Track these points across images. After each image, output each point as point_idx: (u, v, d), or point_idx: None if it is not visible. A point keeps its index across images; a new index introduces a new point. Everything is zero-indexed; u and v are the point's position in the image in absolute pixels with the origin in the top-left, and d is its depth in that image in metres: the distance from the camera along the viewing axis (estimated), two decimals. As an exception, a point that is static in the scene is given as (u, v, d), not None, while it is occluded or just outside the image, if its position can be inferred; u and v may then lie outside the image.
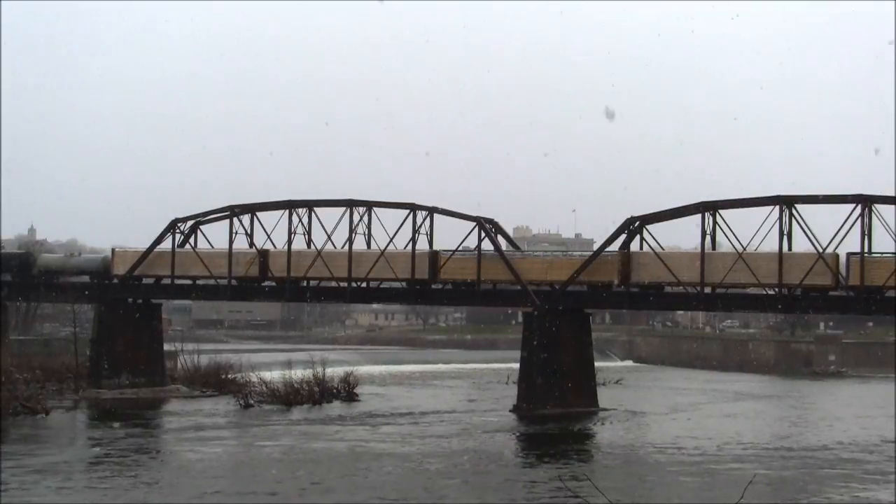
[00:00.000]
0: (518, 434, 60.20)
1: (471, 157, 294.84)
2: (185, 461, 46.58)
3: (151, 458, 47.57)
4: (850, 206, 59.44)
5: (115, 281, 77.38)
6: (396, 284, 72.00)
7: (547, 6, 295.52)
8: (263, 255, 73.63)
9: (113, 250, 78.60)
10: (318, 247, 72.25)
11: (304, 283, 74.67)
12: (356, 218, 71.33)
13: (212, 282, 75.70)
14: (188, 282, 77.19)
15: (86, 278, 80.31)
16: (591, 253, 67.56)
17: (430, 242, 70.68)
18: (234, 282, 74.92)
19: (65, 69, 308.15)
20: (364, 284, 72.41)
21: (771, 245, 61.58)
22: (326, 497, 38.38)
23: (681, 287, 64.51)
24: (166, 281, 77.41)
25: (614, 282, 65.27)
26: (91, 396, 71.97)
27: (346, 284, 72.23)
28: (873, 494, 40.36)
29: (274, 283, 74.94)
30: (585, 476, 41.09)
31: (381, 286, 73.55)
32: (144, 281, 78.00)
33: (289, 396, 70.08)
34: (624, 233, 65.17)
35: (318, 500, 37.99)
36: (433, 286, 71.20)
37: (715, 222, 62.58)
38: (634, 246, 65.04)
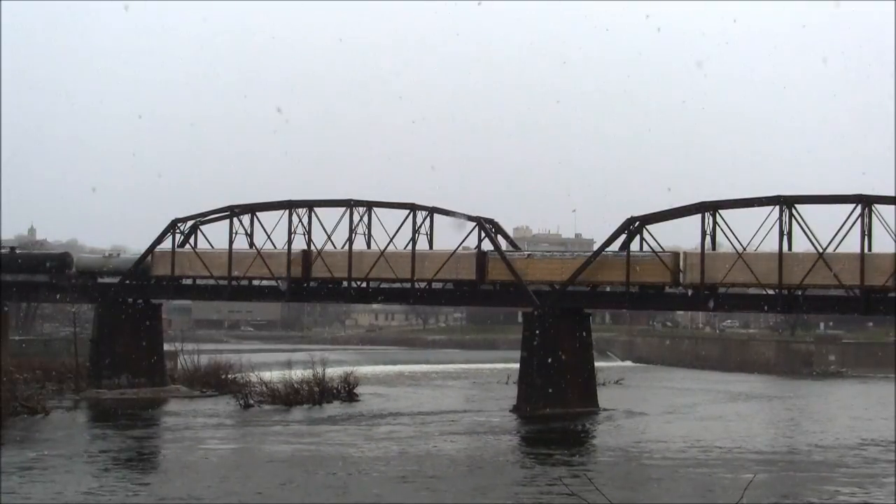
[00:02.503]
0: (518, 434, 60.11)
1: (471, 157, 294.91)
2: (113, 464, 45.04)
3: (75, 461, 45.05)
4: (850, 206, 59.44)
5: (154, 282, 77.06)
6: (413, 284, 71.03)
7: (547, 6, 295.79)
8: (306, 255, 72.88)
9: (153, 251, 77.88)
10: (318, 247, 72.38)
11: (347, 284, 73.22)
12: (356, 218, 71.39)
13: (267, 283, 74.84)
14: (242, 283, 75.92)
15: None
16: (651, 254, 64.83)
17: (430, 242, 70.72)
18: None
19: (65, 69, 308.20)
20: (364, 284, 72.50)
21: (771, 245, 61.55)
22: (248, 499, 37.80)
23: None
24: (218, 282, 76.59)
25: (667, 283, 64.52)
26: (91, 396, 71.95)
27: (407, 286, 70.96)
28: (845, 500, 39.69)
29: (316, 284, 74.01)
30: (585, 476, 41.01)
31: (381, 286, 73.58)
32: (185, 281, 77.43)
33: (288, 396, 70.04)
34: (624, 233, 65.16)
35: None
36: (481, 287, 70.00)
37: (715, 222, 62.55)
38: (634, 246, 65.03)
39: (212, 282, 76.09)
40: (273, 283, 74.93)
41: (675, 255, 64.53)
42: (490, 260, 68.65)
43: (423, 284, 71.08)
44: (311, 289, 75.53)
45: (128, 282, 77.58)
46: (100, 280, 79.34)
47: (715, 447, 52.68)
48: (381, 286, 73.35)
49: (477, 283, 69.34)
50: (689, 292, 64.96)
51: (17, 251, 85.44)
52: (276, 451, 49.43)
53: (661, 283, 64.67)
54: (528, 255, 70.30)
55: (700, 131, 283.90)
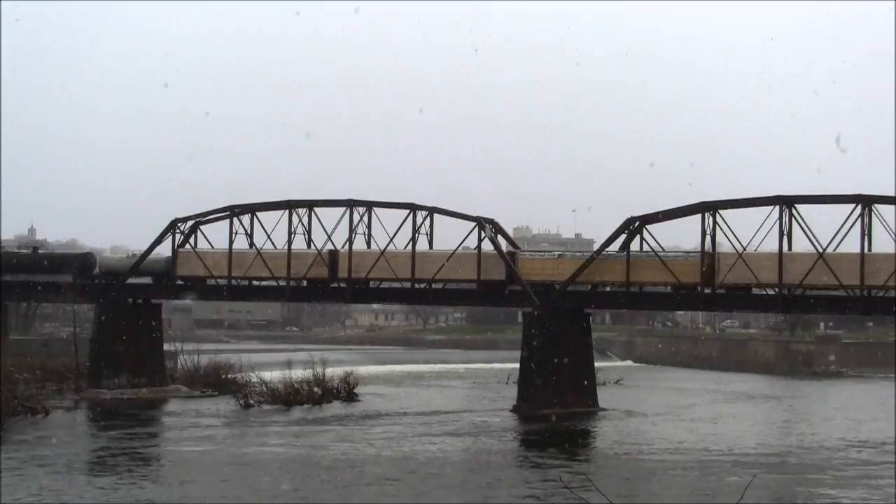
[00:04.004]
0: (517, 434, 60.10)
1: (471, 157, 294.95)
2: (67, 468, 43.92)
3: (28, 465, 44.01)
4: (850, 206, 59.44)
5: (179, 282, 76.82)
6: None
7: (547, 6, 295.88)
8: (332, 255, 72.34)
9: (175, 251, 77.28)
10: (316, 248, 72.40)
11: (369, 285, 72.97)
12: (356, 218, 71.37)
13: (274, 283, 74.35)
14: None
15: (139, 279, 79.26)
16: (679, 253, 65.21)
17: (430, 242, 70.71)
18: (303, 283, 73.72)
19: (65, 69, 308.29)
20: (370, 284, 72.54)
21: (771, 245, 61.50)
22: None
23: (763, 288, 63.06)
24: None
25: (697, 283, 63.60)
26: (91, 396, 71.91)
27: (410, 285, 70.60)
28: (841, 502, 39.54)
29: (343, 285, 73.29)
30: (585, 476, 40.97)
31: (382, 286, 73.55)
32: (209, 282, 77.10)
33: (288, 396, 70.00)
34: (624, 233, 65.14)
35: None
36: (509, 288, 69.37)
37: (715, 222, 62.52)
38: (634, 246, 64.99)
39: (218, 281, 75.76)
40: (274, 282, 74.82)
41: (710, 255, 64.21)
42: (519, 260, 68.54)
43: (422, 285, 71.04)
44: (313, 290, 75.28)
45: (162, 283, 77.56)
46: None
47: (712, 448, 52.71)
48: (381, 286, 73.43)
49: (506, 283, 69.11)
50: (682, 292, 64.88)
51: (40, 252, 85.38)
52: (261, 452, 48.94)
53: (693, 283, 63.85)
54: (559, 255, 70.19)
55: (700, 132, 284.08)
